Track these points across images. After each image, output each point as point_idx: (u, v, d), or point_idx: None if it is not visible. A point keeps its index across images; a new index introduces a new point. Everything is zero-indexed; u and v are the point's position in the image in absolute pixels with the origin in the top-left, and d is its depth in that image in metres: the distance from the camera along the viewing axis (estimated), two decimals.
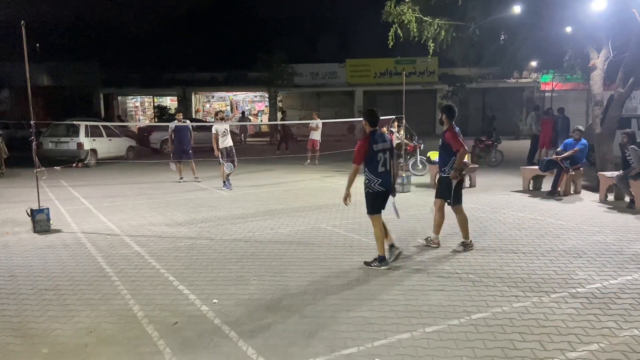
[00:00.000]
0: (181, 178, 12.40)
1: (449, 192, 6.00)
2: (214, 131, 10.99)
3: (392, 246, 5.55)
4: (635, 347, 3.58)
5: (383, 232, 5.45)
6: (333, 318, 4.14)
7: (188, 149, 12.31)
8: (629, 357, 3.45)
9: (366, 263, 5.49)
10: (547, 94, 28.24)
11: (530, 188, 10.40)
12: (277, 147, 20.90)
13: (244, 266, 5.58)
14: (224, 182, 11.09)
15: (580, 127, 9.90)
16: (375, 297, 4.58)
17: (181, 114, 13.42)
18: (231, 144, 11.05)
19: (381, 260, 5.40)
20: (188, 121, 12.74)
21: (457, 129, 5.96)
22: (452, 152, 5.89)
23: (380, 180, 5.32)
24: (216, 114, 11.81)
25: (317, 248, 6.26)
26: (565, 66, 15.33)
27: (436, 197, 6.21)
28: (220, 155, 10.93)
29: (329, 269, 5.41)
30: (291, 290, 4.82)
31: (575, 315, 4.13)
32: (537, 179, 10.48)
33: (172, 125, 12.26)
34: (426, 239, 6.28)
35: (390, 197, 5.49)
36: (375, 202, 5.40)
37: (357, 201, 9.51)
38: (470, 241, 6.13)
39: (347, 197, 5.35)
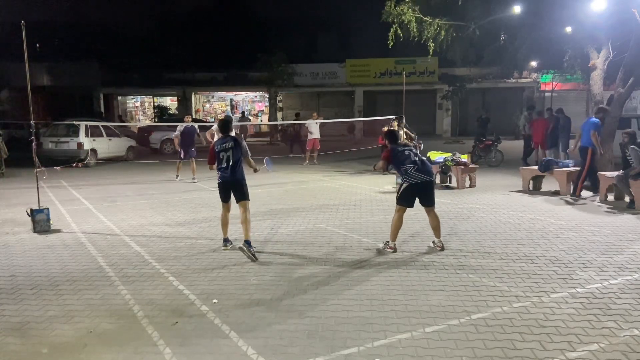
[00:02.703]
0: (177, 176, 12.76)
1: (399, 197, 6.15)
2: (214, 128, 11.31)
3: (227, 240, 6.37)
4: (635, 347, 3.58)
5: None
6: (333, 318, 4.14)
7: (193, 148, 12.68)
8: (629, 357, 3.45)
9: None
10: (547, 94, 28.23)
11: (530, 188, 10.40)
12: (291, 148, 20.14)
13: (244, 266, 5.58)
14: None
15: (603, 106, 9.76)
16: (375, 297, 4.58)
17: (189, 116, 14.30)
18: None
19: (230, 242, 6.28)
20: (195, 124, 13.19)
21: (399, 148, 6.17)
22: (397, 166, 6.17)
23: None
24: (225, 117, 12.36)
25: (317, 248, 6.26)
26: (565, 66, 15.31)
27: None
28: None
29: (329, 269, 5.41)
30: (291, 290, 4.82)
31: (575, 315, 4.13)
32: (537, 179, 10.48)
33: (180, 126, 12.61)
34: (433, 242, 6.26)
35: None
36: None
37: (357, 201, 9.55)
38: (395, 245, 6.06)
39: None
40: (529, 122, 15.30)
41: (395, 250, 6.01)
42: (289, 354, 3.57)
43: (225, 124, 6.45)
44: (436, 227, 6.14)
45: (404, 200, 6.05)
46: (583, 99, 26.51)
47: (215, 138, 11.17)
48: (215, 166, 6.22)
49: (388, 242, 6.11)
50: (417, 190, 5.99)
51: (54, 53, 28.96)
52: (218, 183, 6.26)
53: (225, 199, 6.25)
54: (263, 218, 8.00)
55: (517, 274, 5.17)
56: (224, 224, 6.32)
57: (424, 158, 6.18)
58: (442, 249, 6.07)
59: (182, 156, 12.55)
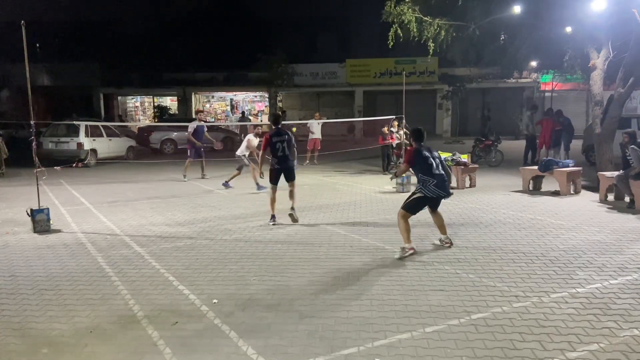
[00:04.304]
0: (184, 176, 12.50)
1: (408, 204, 6.00)
2: (251, 137, 10.90)
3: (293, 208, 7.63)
4: (635, 347, 3.58)
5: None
6: (333, 318, 4.14)
7: (202, 148, 12.49)
8: (629, 357, 3.45)
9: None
10: (547, 94, 28.22)
11: (530, 188, 10.40)
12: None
13: (244, 266, 5.58)
14: (257, 184, 10.98)
15: None
16: (375, 297, 4.58)
17: (202, 113, 13.98)
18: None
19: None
20: (204, 124, 12.90)
21: (423, 149, 6.01)
22: (417, 172, 6.02)
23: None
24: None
25: (317, 248, 6.26)
26: (565, 66, 15.29)
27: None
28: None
29: (329, 269, 5.41)
30: (291, 290, 4.82)
31: (575, 315, 4.13)
32: (537, 179, 10.48)
33: (193, 124, 12.38)
34: (440, 240, 6.27)
35: None
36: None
37: (357, 201, 9.55)
38: (409, 249, 5.86)
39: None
40: (532, 122, 15.29)
41: (415, 251, 5.87)
42: (289, 354, 3.57)
43: (277, 118, 7.76)
44: (441, 225, 6.18)
45: (413, 209, 5.96)
46: (583, 99, 26.50)
47: (245, 145, 10.97)
48: (265, 152, 7.62)
49: (404, 247, 5.83)
50: (429, 202, 6.00)
51: (54, 53, 28.96)
52: (274, 169, 7.49)
53: (276, 182, 7.56)
54: (263, 218, 7.99)
55: (517, 274, 5.17)
56: (273, 201, 7.54)
57: (443, 172, 5.94)
58: (451, 244, 6.13)
59: (191, 155, 12.26)
